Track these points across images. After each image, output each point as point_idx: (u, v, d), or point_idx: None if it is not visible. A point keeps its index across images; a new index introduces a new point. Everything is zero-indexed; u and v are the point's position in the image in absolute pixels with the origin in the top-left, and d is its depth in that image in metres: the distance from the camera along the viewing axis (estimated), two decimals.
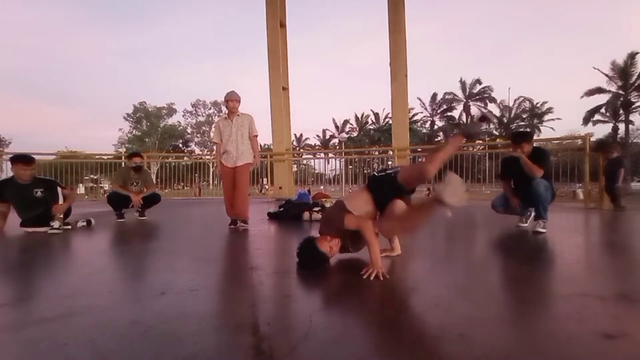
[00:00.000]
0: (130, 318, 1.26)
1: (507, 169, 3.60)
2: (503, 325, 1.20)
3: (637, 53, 29.75)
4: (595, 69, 31.54)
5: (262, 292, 1.58)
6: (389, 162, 9.02)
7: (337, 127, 50.08)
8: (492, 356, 0.98)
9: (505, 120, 40.12)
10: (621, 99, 30.96)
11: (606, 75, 31.34)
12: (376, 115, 48.38)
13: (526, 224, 3.52)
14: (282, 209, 4.48)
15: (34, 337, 1.12)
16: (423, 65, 69.00)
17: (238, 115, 3.76)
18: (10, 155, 3.84)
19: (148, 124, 39.95)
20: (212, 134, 4.16)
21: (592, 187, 6.38)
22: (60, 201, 3.59)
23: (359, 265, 2.10)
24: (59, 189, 3.66)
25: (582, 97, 32.27)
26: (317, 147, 49.55)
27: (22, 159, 3.53)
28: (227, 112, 3.86)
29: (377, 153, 9.79)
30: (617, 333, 1.12)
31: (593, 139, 7.34)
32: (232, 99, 3.72)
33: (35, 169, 3.63)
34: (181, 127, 42.79)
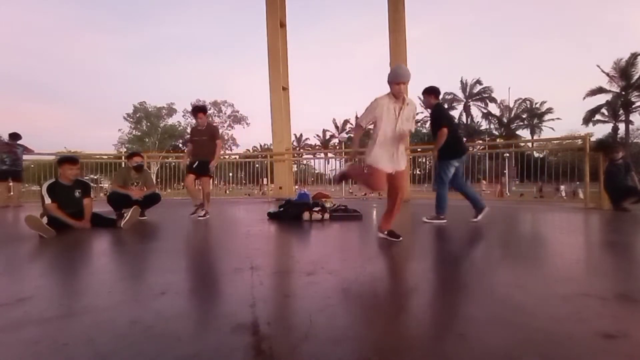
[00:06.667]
0: (130, 318, 1.26)
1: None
2: (503, 325, 1.20)
3: (639, 55, 29.77)
4: (598, 67, 31.58)
5: (262, 292, 1.58)
6: None
7: (337, 127, 50.10)
8: (492, 356, 0.98)
9: (505, 120, 40.11)
10: (621, 99, 30.97)
11: (607, 74, 31.37)
12: None
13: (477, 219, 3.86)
14: (282, 209, 4.48)
15: (34, 337, 1.12)
16: (423, 65, 69.02)
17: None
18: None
19: (148, 124, 39.91)
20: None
21: (592, 186, 6.36)
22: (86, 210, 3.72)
23: (358, 265, 2.10)
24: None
25: (585, 98, 32.32)
26: (317, 147, 49.53)
27: (68, 160, 3.71)
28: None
29: None
30: (617, 333, 1.12)
31: (593, 138, 7.27)
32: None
33: (80, 168, 3.71)
34: (181, 127, 42.72)
